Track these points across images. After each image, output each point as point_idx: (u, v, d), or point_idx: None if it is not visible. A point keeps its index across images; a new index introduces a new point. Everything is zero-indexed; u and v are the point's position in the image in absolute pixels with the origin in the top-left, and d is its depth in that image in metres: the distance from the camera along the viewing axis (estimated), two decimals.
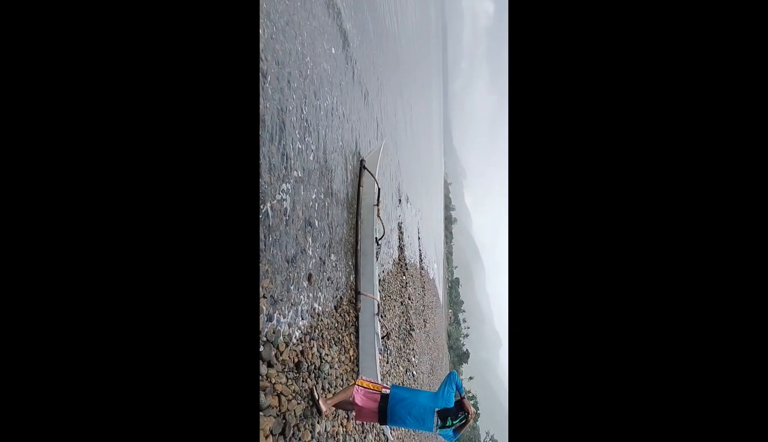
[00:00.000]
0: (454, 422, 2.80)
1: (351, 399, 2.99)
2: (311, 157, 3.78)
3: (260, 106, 2.69)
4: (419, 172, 19.54)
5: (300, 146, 3.50)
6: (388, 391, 2.94)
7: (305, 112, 3.68)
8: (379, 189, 5.38)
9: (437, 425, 2.78)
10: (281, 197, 3.05)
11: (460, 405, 2.84)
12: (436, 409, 2.80)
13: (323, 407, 3.05)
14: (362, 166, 5.58)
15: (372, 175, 5.38)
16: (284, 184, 3.11)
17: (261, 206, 2.67)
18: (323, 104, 4.27)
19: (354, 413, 2.99)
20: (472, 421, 2.92)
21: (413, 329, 10.15)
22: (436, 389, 2.95)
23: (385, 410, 2.86)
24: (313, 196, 3.75)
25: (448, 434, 2.85)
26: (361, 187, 5.43)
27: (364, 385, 3.04)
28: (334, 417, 3.76)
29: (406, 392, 2.97)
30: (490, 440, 64.93)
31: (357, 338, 4.68)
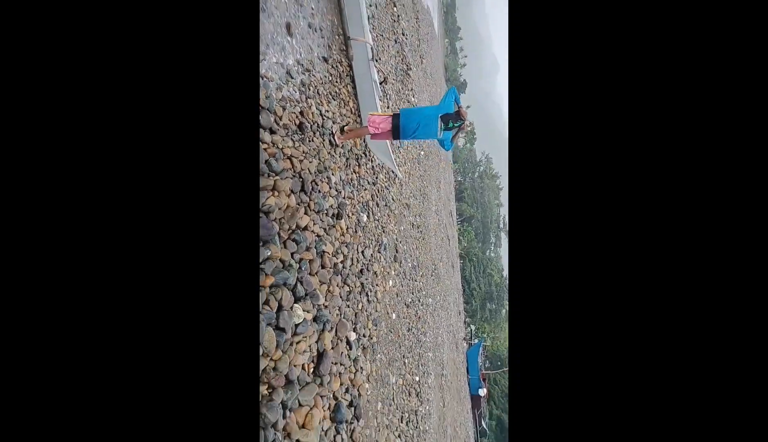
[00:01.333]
0: (455, 125, 3.30)
1: (367, 127, 3.47)
2: None
3: None
4: None
5: None
6: (398, 112, 3.36)
7: None
8: None
9: (441, 128, 3.27)
10: None
11: (458, 114, 3.28)
12: (440, 114, 3.25)
13: (339, 142, 3.65)
14: None
15: None
16: None
17: None
18: None
19: (371, 135, 3.48)
20: (467, 128, 3.45)
21: (410, 68, 9.67)
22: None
23: (398, 125, 3.31)
24: None
25: (447, 137, 3.38)
26: None
27: (376, 114, 3.48)
28: (347, 166, 4.03)
29: (414, 109, 3.40)
30: (485, 158, 73.50)
31: (354, 88, 4.46)
